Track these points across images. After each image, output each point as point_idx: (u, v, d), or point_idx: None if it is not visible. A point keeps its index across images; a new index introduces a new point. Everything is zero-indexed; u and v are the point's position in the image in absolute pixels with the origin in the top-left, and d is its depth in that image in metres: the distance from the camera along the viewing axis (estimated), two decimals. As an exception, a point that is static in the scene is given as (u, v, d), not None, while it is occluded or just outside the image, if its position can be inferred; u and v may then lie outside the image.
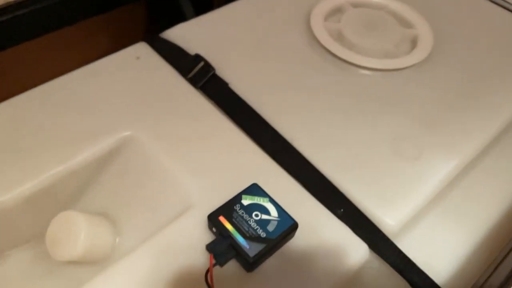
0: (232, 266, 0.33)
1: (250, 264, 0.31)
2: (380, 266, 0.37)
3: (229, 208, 0.33)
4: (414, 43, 0.51)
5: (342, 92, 0.46)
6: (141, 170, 0.40)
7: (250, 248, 0.31)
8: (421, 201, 0.38)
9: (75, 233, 0.35)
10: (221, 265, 0.32)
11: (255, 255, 0.31)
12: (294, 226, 0.33)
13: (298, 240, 0.35)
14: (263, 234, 0.32)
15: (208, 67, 0.46)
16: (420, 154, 0.41)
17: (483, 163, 0.44)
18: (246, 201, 0.34)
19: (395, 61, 0.48)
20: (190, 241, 0.34)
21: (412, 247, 0.37)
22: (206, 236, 0.34)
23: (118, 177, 0.40)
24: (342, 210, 0.37)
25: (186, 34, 0.50)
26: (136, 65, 0.47)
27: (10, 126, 0.40)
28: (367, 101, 0.45)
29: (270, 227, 0.32)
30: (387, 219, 0.37)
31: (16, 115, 0.41)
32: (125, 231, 0.39)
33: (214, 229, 0.33)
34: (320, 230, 0.36)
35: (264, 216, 0.33)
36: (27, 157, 0.38)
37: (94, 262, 0.38)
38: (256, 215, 0.33)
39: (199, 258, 0.33)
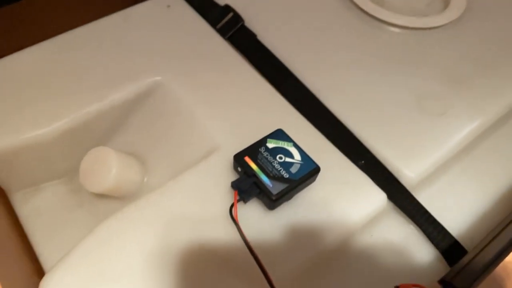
0: (255, 204, 0.35)
1: (272, 201, 0.32)
2: (396, 216, 0.38)
3: (254, 150, 0.35)
4: (446, 3, 0.50)
5: (370, 48, 0.46)
6: (170, 113, 0.41)
7: (273, 186, 0.33)
8: (441, 157, 0.39)
9: (108, 166, 0.37)
10: (245, 201, 0.34)
11: (278, 193, 0.32)
12: (316, 170, 0.34)
13: (319, 185, 0.36)
14: (286, 175, 0.33)
15: (237, 18, 0.47)
16: (445, 111, 0.41)
17: (507, 125, 0.44)
18: (271, 144, 0.35)
19: (425, 19, 0.48)
20: (215, 180, 0.35)
21: (429, 201, 0.38)
22: (231, 176, 0.35)
23: (148, 119, 0.42)
24: (363, 161, 0.38)
25: (216, -15, 0.50)
26: (166, 13, 0.47)
27: (49, 66, 0.42)
28: (395, 58, 0.45)
29: (293, 169, 0.34)
30: (407, 171, 0.37)
31: (54, 56, 0.42)
32: (153, 171, 0.41)
33: (239, 169, 0.34)
34: (340, 178, 0.37)
35: (288, 159, 0.34)
36: (64, 95, 0.40)
37: (123, 197, 0.40)
38: (280, 158, 0.34)
39: (224, 195, 0.35)
